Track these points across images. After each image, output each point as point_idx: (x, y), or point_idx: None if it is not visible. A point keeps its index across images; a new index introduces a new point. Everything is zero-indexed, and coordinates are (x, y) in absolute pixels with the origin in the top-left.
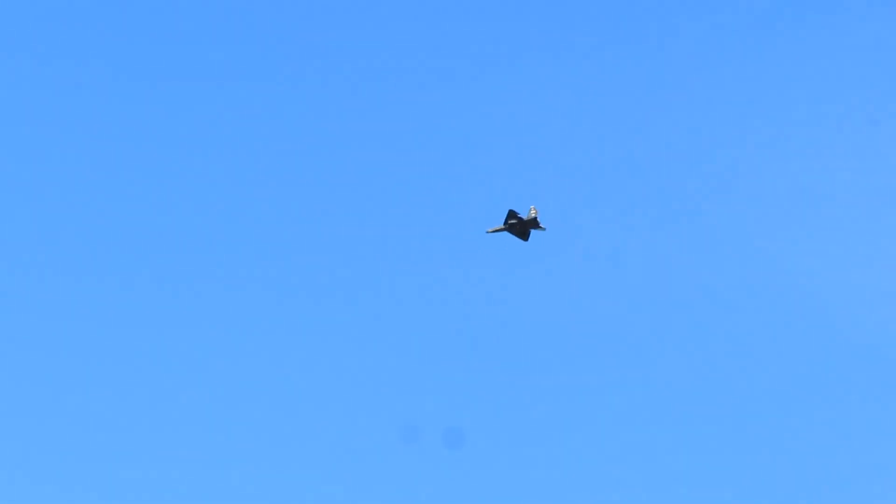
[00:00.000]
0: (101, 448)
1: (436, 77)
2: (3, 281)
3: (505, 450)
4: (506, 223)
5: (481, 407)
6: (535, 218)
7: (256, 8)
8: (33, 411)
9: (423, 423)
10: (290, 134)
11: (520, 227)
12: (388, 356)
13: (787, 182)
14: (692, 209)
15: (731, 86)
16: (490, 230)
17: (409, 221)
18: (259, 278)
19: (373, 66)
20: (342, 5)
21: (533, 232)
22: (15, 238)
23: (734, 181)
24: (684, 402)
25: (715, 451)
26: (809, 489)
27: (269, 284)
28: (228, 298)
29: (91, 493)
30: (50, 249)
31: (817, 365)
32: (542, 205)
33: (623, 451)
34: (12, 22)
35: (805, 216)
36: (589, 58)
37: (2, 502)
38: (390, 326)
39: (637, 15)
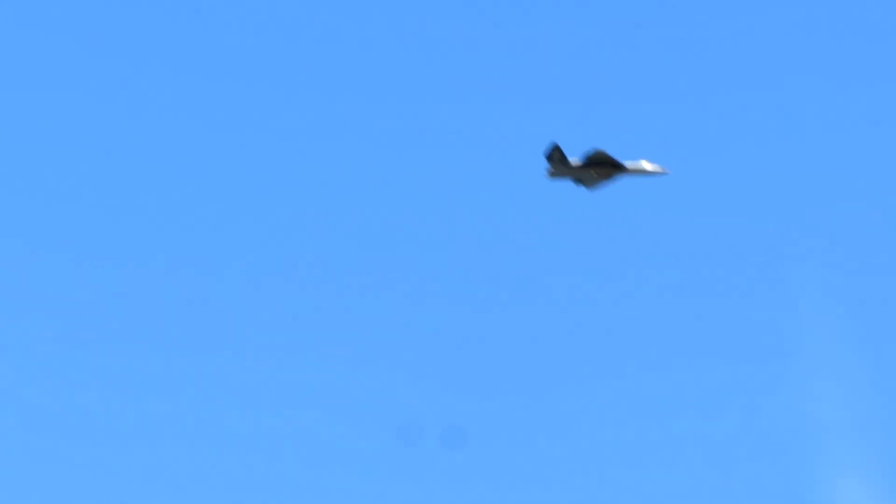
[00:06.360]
0: (99, 448)
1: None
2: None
3: (504, 450)
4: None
5: (481, 407)
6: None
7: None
8: (32, 410)
9: (423, 424)
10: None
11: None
12: (388, 355)
13: None
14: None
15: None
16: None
17: (409, 219)
18: (258, 278)
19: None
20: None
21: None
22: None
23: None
24: (685, 402)
25: (713, 450)
26: None
27: (268, 284)
28: (227, 296)
29: (91, 492)
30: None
31: None
32: None
33: (622, 450)
34: (12, 21)
35: None
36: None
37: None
38: (390, 326)
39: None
